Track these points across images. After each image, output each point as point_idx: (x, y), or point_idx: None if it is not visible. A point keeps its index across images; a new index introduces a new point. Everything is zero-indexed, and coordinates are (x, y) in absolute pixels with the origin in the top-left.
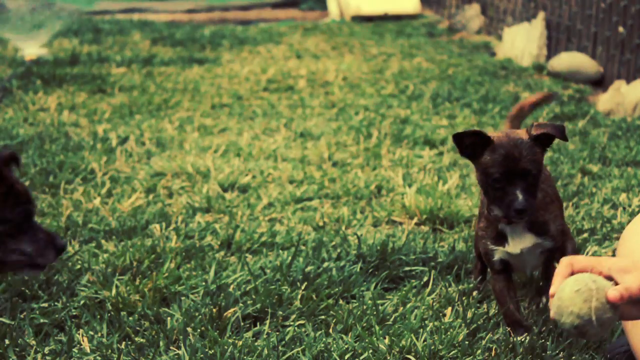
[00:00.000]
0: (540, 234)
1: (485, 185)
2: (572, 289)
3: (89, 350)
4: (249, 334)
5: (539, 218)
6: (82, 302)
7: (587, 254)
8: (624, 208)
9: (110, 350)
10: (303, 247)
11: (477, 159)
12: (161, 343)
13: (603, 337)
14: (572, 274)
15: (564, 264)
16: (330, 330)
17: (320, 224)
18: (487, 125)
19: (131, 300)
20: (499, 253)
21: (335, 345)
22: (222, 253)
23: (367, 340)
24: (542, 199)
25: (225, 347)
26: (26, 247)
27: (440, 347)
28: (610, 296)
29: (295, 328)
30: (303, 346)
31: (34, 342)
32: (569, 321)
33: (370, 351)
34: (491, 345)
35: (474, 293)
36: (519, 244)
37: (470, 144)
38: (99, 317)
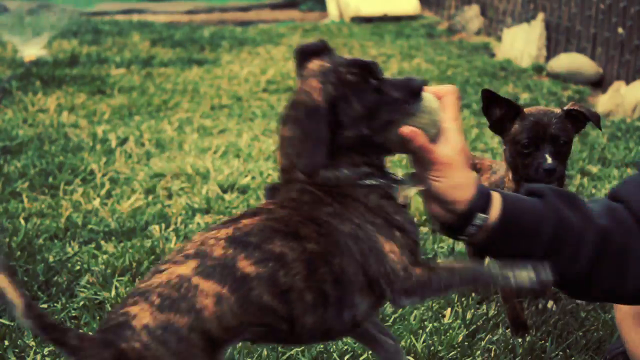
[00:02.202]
0: None
1: (514, 157)
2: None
3: None
4: None
5: None
6: (81, 303)
7: None
8: None
9: None
10: None
11: (506, 131)
12: None
13: None
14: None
15: (450, 88)
16: None
17: None
18: (486, 126)
19: None
20: None
21: (334, 346)
22: None
23: None
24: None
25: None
26: None
27: (440, 347)
28: (404, 130)
29: None
30: (302, 347)
31: (33, 343)
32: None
33: (370, 352)
34: (490, 346)
35: (473, 294)
36: None
37: (501, 117)
38: (98, 318)
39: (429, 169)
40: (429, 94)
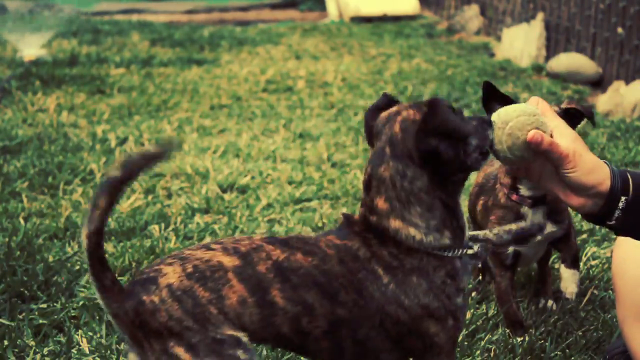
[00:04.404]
0: (557, 222)
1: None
2: (521, 108)
3: (87, 351)
4: None
5: (556, 206)
6: (81, 303)
7: (585, 254)
8: None
9: (109, 351)
10: None
11: None
12: None
13: (510, 161)
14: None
15: (535, 98)
16: None
17: (320, 224)
18: None
19: None
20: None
21: None
22: None
23: None
24: None
25: None
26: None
27: None
28: (531, 134)
29: None
30: None
31: (33, 343)
32: (499, 132)
33: None
34: (490, 346)
35: (473, 294)
36: None
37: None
38: (97, 318)
39: (560, 165)
40: (519, 105)
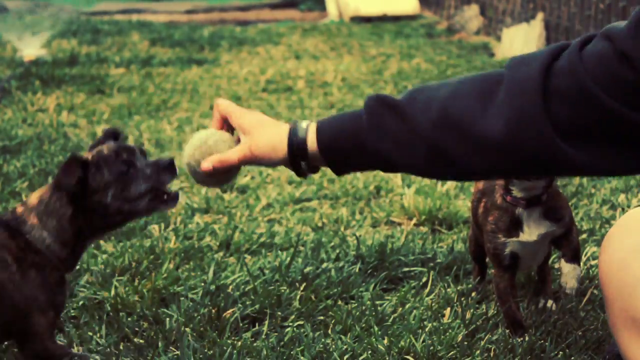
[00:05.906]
0: (555, 220)
1: None
2: (200, 136)
3: (88, 352)
4: (248, 334)
5: (555, 204)
6: (81, 302)
7: (585, 254)
8: (623, 209)
9: (109, 351)
10: (302, 248)
11: None
12: (160, 344)
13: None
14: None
15: (216, 104)
16: (329, 331)
17: (319, 224)
18: None
19: (130, 301)
20: (511, 245)
21: (334, 346)
22: (220, 254)
23: (366, 341)
24: (555, 187)
25: (224, 348)
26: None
27: (439, 347)
28: (203, 167)
29: (294, 329)
30: (302, 347)
31: None
32: (185, 161)
33: (369, 352)
34: (490, 346)
35: (473, 294)
36: (535, 230)
37: None
38: (97, 317)
39: (248, 165)
40: (212, 131)
